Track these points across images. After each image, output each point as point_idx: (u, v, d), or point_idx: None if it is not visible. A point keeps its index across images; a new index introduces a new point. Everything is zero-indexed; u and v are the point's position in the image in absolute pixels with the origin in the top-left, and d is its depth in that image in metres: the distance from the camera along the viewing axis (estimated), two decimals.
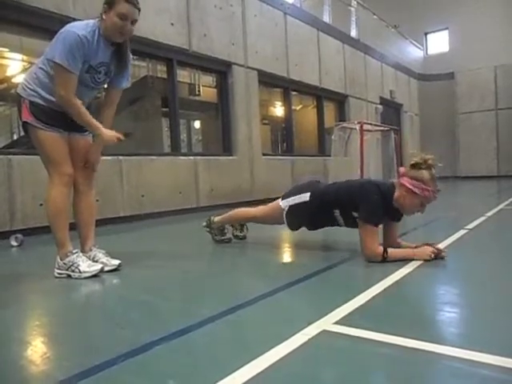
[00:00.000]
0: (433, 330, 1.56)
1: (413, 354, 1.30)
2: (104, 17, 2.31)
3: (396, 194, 2.52)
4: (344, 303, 1.75)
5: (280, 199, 2.97)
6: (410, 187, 2.43)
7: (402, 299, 1.93)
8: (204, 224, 3.39)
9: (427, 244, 2.53)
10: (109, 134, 2.46)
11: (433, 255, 2.43)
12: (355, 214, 2.60)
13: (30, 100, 2.38)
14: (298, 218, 2.88)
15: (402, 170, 2.56)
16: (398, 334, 1.43)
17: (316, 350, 1.35)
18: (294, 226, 2.97)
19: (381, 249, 2.46)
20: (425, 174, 2.42)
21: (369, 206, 2.51)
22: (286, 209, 2.88)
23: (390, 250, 2.47)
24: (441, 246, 2.87)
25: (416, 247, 2.55)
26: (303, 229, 2.99)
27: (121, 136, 2.50)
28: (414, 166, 2.46)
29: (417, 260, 2.43)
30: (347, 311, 1.67)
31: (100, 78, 2.48)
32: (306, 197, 2.79)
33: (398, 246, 2.65)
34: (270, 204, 3.08)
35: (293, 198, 2.87)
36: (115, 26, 2.31)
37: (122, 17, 2.29)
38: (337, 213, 2.71)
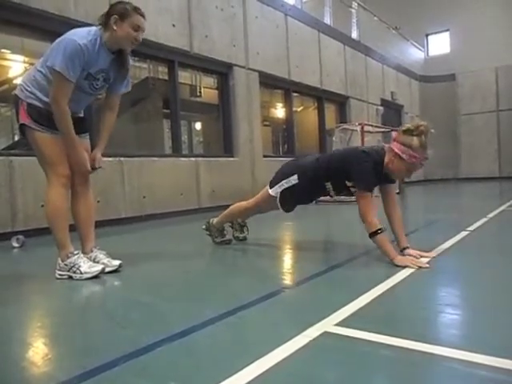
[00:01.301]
0: (434, 331, 1.56)
1: (414, 355, 1.30)
2: (114, 27, 2.34)
3: (386, 158, 2.53)
4: (345, 305, 1.74)
5: (268, 187, 3.00)
6: (398, 152, 2.43)
7: (403, 301, 1.93)
8: (203, 227, 3.40)
9: (420, 253, 2.56)
10: (81, 161, 2.47)
11: (411, 265, 2.34)
12: (349, 183, 2.66)
13: (28, 102, 2.39)
14: (291, 199, 2.95)
15: (394, 134, 2.57)
16: (400, 335, 1.42)
17: (317, 352, 1.35)
18: (289, 209, 3.03)
19: (376, 223, 2.46)
20: (415, 140, 2.41)
21: (361, 173, 2.54)
22: (278, 196, 2.92)
23: (383, 236, 2.45)
24: (442, 247, 2.88)
25: (405, 248, 2.58)
26: (304, 230, 2.99)
27: (88, 168, 2.52)
28: (406, 131, 2.45)
29: (399, 265, 2.36)
30: (348, 313, 1.67)
31: (98, 85, 2.50)
32: (294, 179, 2.84)
33: (393, 216, 2.67)
34: (260, 193, 3.11)
35: (280, 184, 2.90)
36: (129, 37, 2.37)
37: (136, 28, 2.37)
38: (328, 185, 2.78)
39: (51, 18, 4.53)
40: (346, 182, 2.67)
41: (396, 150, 2.45)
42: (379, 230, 2.45)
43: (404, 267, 2.32)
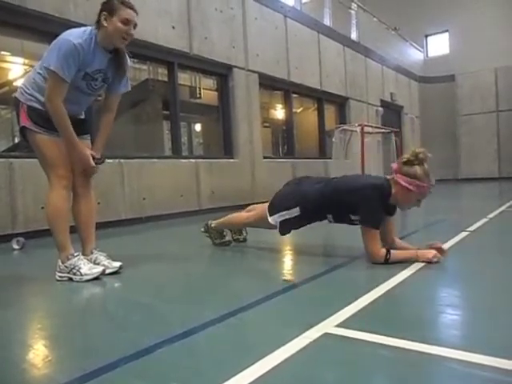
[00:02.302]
0: (434, 332, 1.56)
1: (415, 356, 1.30)
2: (105, 24, 2.33)
3: (393, 191, 2.51)
4: (345, 306, 1.74)
5: (267, 211, 2.88)
6: (406, 185, 2.43)
7: (403, 302, 1.93)
8: (202, 229, 3.40)
9: (431, 247, 2.53)
10: (84, 157, 2.46)
11: (435, 259, 2.42)
12: (354, 217, 2.62)
13: (28, 104, 2.39)
14: (290, 227, 2.86)
15: (394, 166, 2.54)
16: (400, 336, 1.42)
17: (318, 353, 1.35)
18: (286, 233, 2.92)
19: (383, 251, 2.46)
20: (418, 170, 2.42)
21: (370, 211, 2.50)
22: (278, 225, 2.83)
23: (393, 252, 2.48)
24: (442, 248, 2.88)
25: (418, 249, 2.55)
26: (303, 232, 2.98)
27: (92, 163, 2.50)
28: (407, 162, 2.45)
29: (420, 261, 2.43)
30: (349, 314, 1.67)
31: (97, 85, 2.50)
32: (296, 211, 2.74)
33: (394, 244, 2.66)
34: (259, 212, 3.00)
35: (280, 214, 2.80)
36: (119, 32, 2.34)
37: (125, 22, 2.33)
38: (330, 217, 2.76)
39: (51, 20, 4.53)
40: (351, 215, 2.62)
41: (403, 184, 2.43)
42: (388, 254, 2.44)
43: (404, 268, 2.32)
